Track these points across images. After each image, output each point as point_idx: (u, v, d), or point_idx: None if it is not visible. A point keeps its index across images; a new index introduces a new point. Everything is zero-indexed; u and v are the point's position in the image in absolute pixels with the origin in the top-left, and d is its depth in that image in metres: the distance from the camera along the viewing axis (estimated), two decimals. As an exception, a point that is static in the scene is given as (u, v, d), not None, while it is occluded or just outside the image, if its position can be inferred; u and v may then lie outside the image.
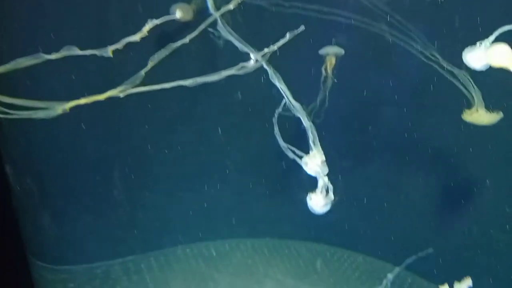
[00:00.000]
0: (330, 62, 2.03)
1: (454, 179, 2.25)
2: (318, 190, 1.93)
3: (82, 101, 1.49)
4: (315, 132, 1.86)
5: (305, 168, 1.89)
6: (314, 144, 1.85)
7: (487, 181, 2.20)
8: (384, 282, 2.16)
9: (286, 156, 1.97)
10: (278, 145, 1.91)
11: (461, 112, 1.90)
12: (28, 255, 2.19)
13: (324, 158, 1.86)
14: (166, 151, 2.10)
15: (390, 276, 2.18)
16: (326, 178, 1.86)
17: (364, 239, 2.35)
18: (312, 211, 1.99)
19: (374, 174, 2.29)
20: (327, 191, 1.92)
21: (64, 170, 2.17)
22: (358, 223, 2.34)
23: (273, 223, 2.34)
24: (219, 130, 2.10)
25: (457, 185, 2.25)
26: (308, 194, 1.92)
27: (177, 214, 2.27)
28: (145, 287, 2.23)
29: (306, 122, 1.85)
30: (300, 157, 1.86)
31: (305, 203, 1.97)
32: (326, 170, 1.86)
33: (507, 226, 2.22)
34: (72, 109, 1.52)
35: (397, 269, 2.20)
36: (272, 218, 2.33)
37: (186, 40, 1.57)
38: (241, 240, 2.34)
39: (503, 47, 1.30)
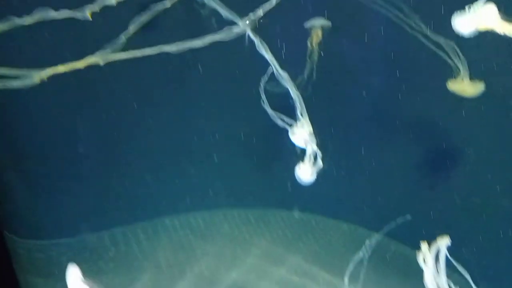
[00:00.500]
0: (316, 35, 2.02)
1: (437, 147, 2.28)
2: (306, 159, 1.95)
3: (60, 68, 1.46)
4: (302, 103, 1.87)
5: (292, 138, 1.91)
6: (301, 114, 1.87)
7: (470, 149, 2.24)
8: (363, 248, 2.20)
9: (273, 126, 1.98)
10: (266, 115, 1.92)
11: (446, 82, 1.92)
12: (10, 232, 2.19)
13: (311, 128, 1.88)
14: (150, 121, 2.09)
15: (368, 242, 2.23)
16: (315, 146, 1.88)
17: (348, 208, 2.39)
18: (299, 181, 2.02)
19: (359, 144, 2.31)
20: (314, 160, 1.95)
21: (43, 141, 2.15)
22: (343, 192, 2.37)
23: (259, 194, 2.37)
24: (204, 99, 2.10)
25: (440, 154, 2.29)
26: (297, 164, 1.94)
27: (163, 185, 2.28)
28: (133, 258, 2.25)
29: (294, 93, 1.86)
30: (289, 125, 1.87)
31: (291, 174, 1.99)
32: (314, 141, 1.88)
33: (489, 192, 2.27)
34: (50, 78, 1.48)
35: (376, 236, 2.25)
36: (259, 188, 2.35)
37: (167, 4, 1.54)
38: (227, 210, 2.37)
39: (490, 7, 1.31)
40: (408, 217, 2.27)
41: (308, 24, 2.00)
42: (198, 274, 2.27)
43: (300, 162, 2.03)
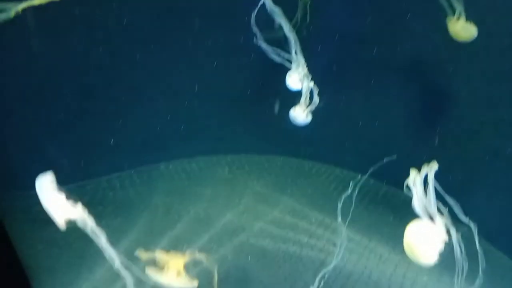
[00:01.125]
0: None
1: (431, 90, 2.36)
2: (302, 99, 2.01)
3: (36, 1, 1.45)
4: (298, 45, 1.94)
5: (288, 82, 1.96)
6: (296, 55, 1.94)
7: (463, 92, 2.31)
8: (354, 189, 2.22)
9: (267, 69, 2.06)
10: (261, 56, 1.97)
11: (442, 24, 2.01)
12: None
13: (306, 68, 1.95)
14: (137, 56, 2.17)
15: (358, 183, 2.25)
16: (311, 83, 1.94)
17: (341, 152, 2.44)
18: (295, 123, 2.07)
19: (352, 87, 2.38)
20: (310, 101, 2.00)
21: (28, 82, 2.17)
22: (336, 137, 2.43)
23: (253, 139, 2.44)
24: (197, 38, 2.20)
25: (434, 96, 2.37)
26: (293, 107, 1.99)
27: (158, 132, 2.35)
28: (130, 202, 2.29)
29: (288, 33, 1.93)
30: (289, 61, 1.93)
31: (284, 119, 2.06)
32: (309, 79, 1.93)
33: (479, 135, 2.32)
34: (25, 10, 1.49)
35: (366, 177, 2.28)
36: (252, 134, 2.42)
37: None
38: (221, 156, 2.43)
39: None
40: (394, 157, 2.30)
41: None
42: (194, 216, 2.30)
43: (296, 105, 2.08)
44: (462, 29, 2.04)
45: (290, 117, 2.10)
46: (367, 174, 2.32)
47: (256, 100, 2.43)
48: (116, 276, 1.41)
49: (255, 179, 2.42)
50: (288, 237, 2.24)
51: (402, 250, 2.21)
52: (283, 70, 2.04)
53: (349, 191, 2.17)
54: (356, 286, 2.06)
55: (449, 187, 1.97)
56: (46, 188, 1.32)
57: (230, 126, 2.43)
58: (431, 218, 1.45)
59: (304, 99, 2.05)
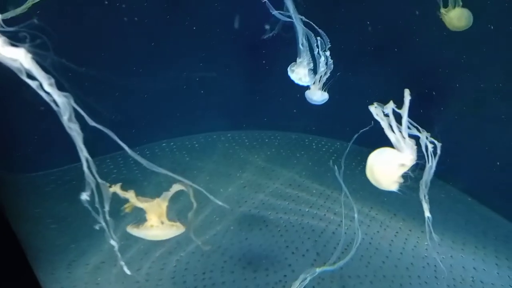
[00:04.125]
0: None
1: (424, 66, 2.39)
2: (316, 80, 2.03)
3: None
4: (304, 37, 1.96)
5: (292, 76, 1.99)
6: (302, 46, 1.96)
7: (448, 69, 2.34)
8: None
9: (266, 46, 2.10)
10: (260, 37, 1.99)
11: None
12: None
13: (311, 66, 1.97)
14: (145, 42, 2.21)
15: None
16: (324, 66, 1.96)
17: (340, 127, 2.47)
18: (312, 102, 2.08)
19: (347, 70, 2.42)
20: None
21: None
22: (334, 112, 2.46)
23: (252, 116, 2.48)
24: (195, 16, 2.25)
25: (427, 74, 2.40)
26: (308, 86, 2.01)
27: (158, 111, 2.40)
28: (134, 177, 2.33)
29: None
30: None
31: (283, 96, 2.08)
32: (312, 79, 1.96)
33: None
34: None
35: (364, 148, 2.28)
36: (252, 110, 2.46)
37: None
38: (221, 132, 2.47)
39: None
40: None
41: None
42: (196, 190, 2.33)
43: (312, 85, 2.10)
44: (457, 18, 2.07)
45: (306, 97, 2.12)
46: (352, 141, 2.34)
47: (254, 76, 2.47)
48: (120, 249, 1.40)
49: (255, 153, 2.45)
50: (289, 208, 2.26)
51: (403, 218, 2.24)
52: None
53: (346, 162, 2.19)
54: (357, 252, 2.08)
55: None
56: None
57: (229, 103, 2.47)
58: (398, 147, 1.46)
59: (318, 78, 2.07)
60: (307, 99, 2.11)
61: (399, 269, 1.96)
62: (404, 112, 1.52)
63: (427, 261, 2.00)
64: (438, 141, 1.51)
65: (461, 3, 2.05)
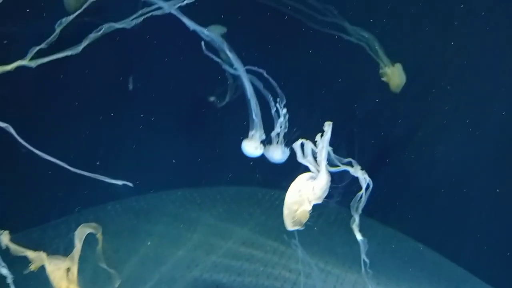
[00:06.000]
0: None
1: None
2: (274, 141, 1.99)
3: None
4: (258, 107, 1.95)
5: (245, 151, 1.95)
6: (256, 116, 1.93)
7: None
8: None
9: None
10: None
11: None
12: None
13: (261, 140, 1.95)
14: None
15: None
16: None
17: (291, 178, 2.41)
18: (273, 161, 2.04)
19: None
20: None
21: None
22: (288, 163, 2.41)
23: (203, 172, 2.40)
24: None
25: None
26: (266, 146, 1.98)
27: (103, 171, 2.29)
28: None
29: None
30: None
31: (235, 149, 2.04)
32: (261, 153, 1.93)
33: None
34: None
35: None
36: (202, 167, 2.39)
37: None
38: (171, 191, 2.38)
39: None
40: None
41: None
42: (143, 256, 2.21)
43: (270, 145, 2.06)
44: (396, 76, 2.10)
45: (267, 156, 2.07)
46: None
47: (205, 132, 2.42)
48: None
49: (207, 211, 2.36)
50: (243, 268, 2.16)
51: (359, 269, 2.17)
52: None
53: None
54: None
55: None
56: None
57: (180, 160, 2.39)
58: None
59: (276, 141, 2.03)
60: (268, 158, 2.06)
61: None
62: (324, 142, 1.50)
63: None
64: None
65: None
